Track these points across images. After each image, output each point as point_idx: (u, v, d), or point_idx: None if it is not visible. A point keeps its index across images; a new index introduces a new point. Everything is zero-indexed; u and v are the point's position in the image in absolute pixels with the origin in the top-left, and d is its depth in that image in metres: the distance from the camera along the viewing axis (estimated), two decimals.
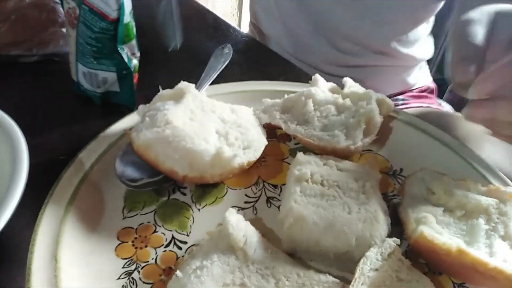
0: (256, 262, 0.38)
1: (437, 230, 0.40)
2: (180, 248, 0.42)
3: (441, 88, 1.12)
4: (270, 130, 0.57)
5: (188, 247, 0.42)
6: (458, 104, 1.05)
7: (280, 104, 0.55)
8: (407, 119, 0.58)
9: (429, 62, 1.05)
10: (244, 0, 2.26)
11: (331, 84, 0.59)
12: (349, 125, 0.51)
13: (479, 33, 0.47)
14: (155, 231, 0.43)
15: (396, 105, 0.94)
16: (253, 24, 1.06)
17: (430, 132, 0.56)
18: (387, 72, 0.94)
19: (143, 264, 0.40)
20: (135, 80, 0.60)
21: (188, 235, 0.43)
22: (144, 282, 0.39)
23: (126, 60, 0.57)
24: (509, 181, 0.50)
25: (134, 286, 0.38)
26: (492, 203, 0.43)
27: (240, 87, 0.63)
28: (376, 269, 0.36)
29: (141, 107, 0.49)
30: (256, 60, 0.79)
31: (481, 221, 0.42)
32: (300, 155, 0.48)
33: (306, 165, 0.46)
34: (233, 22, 0.93)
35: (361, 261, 0.37)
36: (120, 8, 0.53)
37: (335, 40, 0.90)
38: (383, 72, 0.93)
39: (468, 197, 0.44)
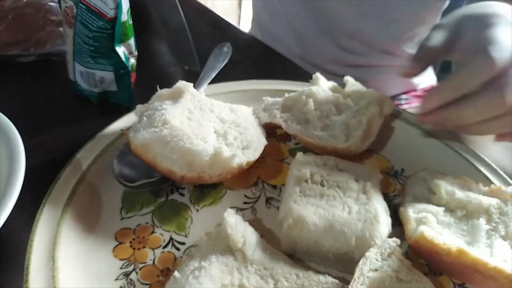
0: (255, 263, 0.38)
1: (437, 231, 0.40)
2: (178, 249, 0.42)
3: None
4: (270, 130, 0.57)
5: (187, 248, 0.42)
6: None
7: (280, 103, 0.55)
8: (409, 119, 0.58)
9: None
10: None
11: (332, 83, 0.58)
12: (350, 125, 0.51)
13: (436, 36, 0.49)
14: (153, 232, 0.43)
15: (399, 104, 0.94)
16: (256, 23, 1.06)
17: (431, 132, 0.56)
18: (392, 72, 0.93)
19: (141, 265, 0.40)
20: (132, 80, 0.60)
21: (186, 236, 0.43)
22: (142, 283, 0.38)
23: (123, 59, 0.56)
24: (510, 181, 0.50)
25: (132, 287, 0.38)
26: (493, 203, 0.43)
27: (239, 86, 0.62)
28: (376, 270, 0.36)
29: (138, 106, 0.48)
30: (256, 59, 0.79)
31: (482, 221, 0.41)
32: (300, 155, 0.48)
33: (306, 165, 0.46)
34: (233, 21, 0.92)
35: (361, 261, 0.36)
36: (118, 6, 0.52)
37: (340, 39, 0.89)
38: (387, 72, 0.93)
39: (469, 197, 0.44)
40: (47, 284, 0.36)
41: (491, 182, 0.49)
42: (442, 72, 1.15)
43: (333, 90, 0.57)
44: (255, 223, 0.44)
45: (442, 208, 0.43)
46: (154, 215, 0.45)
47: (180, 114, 0.45)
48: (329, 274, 0.38)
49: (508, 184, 0.49)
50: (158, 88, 0.50)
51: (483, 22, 0.48)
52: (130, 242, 0.42)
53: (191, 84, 0.50)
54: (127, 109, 0.56)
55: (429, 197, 0.46)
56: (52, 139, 0.55)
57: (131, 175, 0.45)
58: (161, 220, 0.44)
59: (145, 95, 0.50)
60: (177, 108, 0.46)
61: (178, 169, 0.43)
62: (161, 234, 0.43)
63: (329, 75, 0.62)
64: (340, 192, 0.43)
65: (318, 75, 0.58)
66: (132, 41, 0.58)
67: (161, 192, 0.47)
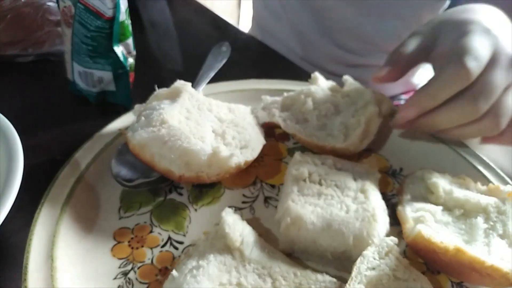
0: (252, 261, 0.38)
1: (435, 229, 0.40)
2: (176, 248, 0.42)
3: None
4: (269, 130, 0.57)
5: (185, 247, 0.42)
6: None
7: (279, 102, 0.55)
8: None
9: None
10: None
11: (331, 83, 0.58)
12: (349, 125, 0.51)
13: (411, 43, 0.50)
14: (151, 231, 0.43)
15: (398, 104, 0.94)
16: (256, 22, 1.06)
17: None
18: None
19: (139, 264, 0.40)
20: (131, 79, 0.60)
21: (184, 235, 0.43)
22: (140, 282, 0.39)
23: (122, 59, 0.56)
24: (509, 180, 0.50)
25: (130, 286, 0.38)
26: (491, 202, 0.43)
27: (238, 85, 0.62)
28: (373, 268, 0.36)
29: (137, 106, 0.48)
30: (254, 58, 0.79)
31: (480, 220, 0.42)
32: (298, 154, 0.48)
33: (304, 165, 0.46)
34: (232, 21, 0.92)
35: (358, 260, 0.36)
36: (116, 6, 0.52)
37: (339, 39, 0.89)
38: None
39: (467, 196, 0.44)
40: (45, 283, 0.36)
41: (489, 181, 0.49)
42: None
43: (331, 89, 0.56)
44: (254, 222, 0.44)
45: (440, 207, 0.43)
46: (153, 214, 0.45)
47: (178, 113, 0.45)
48: (327, 273, 0.38)
49: (506, 183, 0.49)
50: (156, 88, 0.50)
51: (459, 30, 0.48)
52: (129, 242, 0.42)
53: (189, 84, 0.50)
54: (126, 109, 0.56)
55: (427, 196, 0.46)
56: (51, 138, 0.56)
57: (129, 175, 0.46)
58: (159, 219, 0.45)
59: (144, 95, 0.50)
60: (175, 108, 0.46)
61: (176, 169, 0.43)
62: (160, 234, 0.43)
63: (330, 75, 0.62)
64: (338, 191, 0.43)
65: (316, 75, 0.58)
66: (130, 41, 0.58)
67: (160, 192, 0.47)
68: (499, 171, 0.51)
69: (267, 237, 0.42)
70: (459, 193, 0.44)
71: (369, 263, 0.36)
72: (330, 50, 0.91)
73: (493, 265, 0.35)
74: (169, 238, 0.43)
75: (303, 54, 0.94)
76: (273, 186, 0.50)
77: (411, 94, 0.98)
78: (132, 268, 0.40)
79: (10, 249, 0.42)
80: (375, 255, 0.37)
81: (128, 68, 0.58)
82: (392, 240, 0.38)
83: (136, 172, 0.46)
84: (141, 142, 0.42)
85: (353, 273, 0.35)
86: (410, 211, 0.43)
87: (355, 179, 0.45)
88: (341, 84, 0.58)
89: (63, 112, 0.61)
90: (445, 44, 0.48)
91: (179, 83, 0.49)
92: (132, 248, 0.41)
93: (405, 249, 0.44)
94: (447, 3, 0.85)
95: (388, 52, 0.94)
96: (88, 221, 0.43)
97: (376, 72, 0.51)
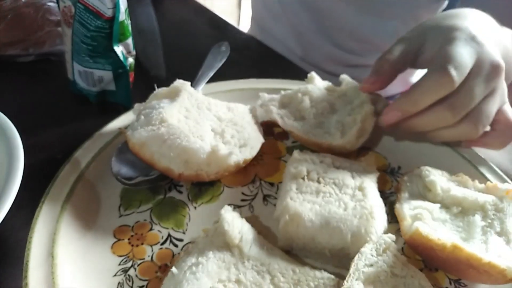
0: (251, 258, 0.38)
1: (432, 227, 0.40)
2: (176, 246, 0.42)
3: None
4: (267, 128, 0.57)
5: (184, 245, 0.42)
6: None
7: (277, 100, 0.55)
8: None
9: None
10: None
11: (327, 83, 0.59)
12: (345, 123, 0.51)
13: (396, 50, 0.51)
14: (151, 229, 0.44)
15: None
16: (256, 22, 1.06)
17: None
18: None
19: (139, 261, 0.40)
20: (131, 79, 0.60)
21: (184, 233, 0.44)
22: (140, 279, 0.39)
23: (121, 58, 0.57)
24: (506, 178, 0.50)
25: (130, 283, 0.39)
26: (489, 200, 0.43)
27: (237, 85, 0.63)
28: (371, 265, 0.36)
29: (136, 105, 0.49)
30: (253, 58, 0.79)
31: (478, 217, 0.42)
32: (296, 153, 0.48)
33: (303, 163, 0.47)
34: (232, 21, 0.93)
35: (356, 256, 0.37)
36: (116, 6, 0.53)
37: (338, 39, 0.90)
38: None
39: (465, 194, 0.44)
40: (46, 280, 0.36)
41: (487, 179, 0.49)
42: None
43: (328, 89, 0.57)
44: (253, 220, 0.44)
45: (438, 205, 0.44)
46: (152, 212, 0.45)
47: (177, 112, 0.46)
48: (325, 270, 0.38)
49: (504, 181, 0.49)
50: (156, 87, 0.50)
51: (445, 36, 0.48)
52: (129, 239, 0.42)
53: (189, 83, 0.50)
54: (126, 108, 0.56)
55: (425, 194, 0.46)
56: (51, 137, 0.56)
57: (129, 173, 0.46)
58: (159, 217, 0.45)
59: (143, 94, 0.50)
60: (175, 107, 0.46)
61: (176, 167, 0.43)
62: (159, 231, 0.43)
63: (329, 75, 0.63)
64: (336, 189, 0.43)
65: (313, 74, 0.59)
66: (130, 41, 0.58)
67: (159, 190, 0.48)
68: (497, 169, 0.51)
69: (266, 235, 0.42)
70: (457, 191, 0.45)
71: (367, 259, 0.37)
72: (329, 50, 0.91)
73: (490, 262, 0.35)
74: (169, 235, 0.43)
75: (302, 54, 0.94)
76: (272, 184, 0.50)
77: None
78: (132, 265, 0.40)
79: (10, 247, 0.42)
80: (373, 252, 0.37)
81: (128, 68, 0.59)
82: (390, 237, 0.39)
83: (136, 171, 0.46)
84: (141, 140, 0.43)
85: (351, 270, 0.36)
86: (408, 208, 0.43)
87: (353, 177, 0.46)
88: (338, 83, 0.59)
89: (63, 111, 0.61)
90: (430, 50, 0.49)
91: (179, 83, 0.50)
92: (132, 245, 0.42)
93: (403, 246, 0.44)
94: (446, 3, 0.86)
95: None
96: (88, 219, 0.43)
97: (364, 82, 0.52)
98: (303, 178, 0.44)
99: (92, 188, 0.46)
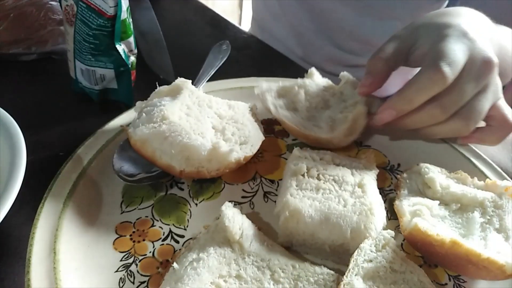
0: (252, 254, 0.39)
1: (431, 223, 0.41)
2: (177, 242, 0.43)
3: None
4: (268, 126, 0.58)
5: (186, 241, 0.43)
6: None
7: (274, 90, 0.57)
8: None
9: None
10: None
11: (326, 80, 0.59)
12: (336, 120, 0.52)
13: (388, 48, 0.51)
14: (152, 225, 0.44)
15: None
16: (256, 22, 1.06)
17: None
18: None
19: (140, 257, 0.41)
20: (133, 77, 0.60)
21: (185, 229, 0.44)
22: (141, 275, 0.39)
23: (123, 56, 0.57)
24: (506, 175, 0.50)
25: (132, 278, 0.39)
26: (488, 197, 0.43)
27: (238, 83, 0.63)
28: (370, 260, 0.37)
29: (138, 103, 0.49)
30: (254, 57, 0.80)
31: (476, 214, 0.42)
32: (296, 150, 0.48)
33: (303, 160, 0.47)
34: (233, 21, 0.93)
35: (355, 252, 0.37)
36: (117, 4, 0.53)
37: (338, 39, 0.90)
38: None
39: (464, 191, 0.44)
40: (48, 276, 0.37)
41: (486, 177, 0.50)
42: None
43: (325, 86, 0.58)
44: (253, 217, 0.44)
45: (437, 202, 0.44)
46: (154, 208, 0.46)
47: (178, 110, 0.46)
48: (325, 266, 0.39)
49: (503, 179, 0.49)
50: (157, 85, 0.50)
51: (437, 33, 0.48)
52: (130, 235, 0.43)
53: (190, 81, 0.50)
54: (127, 106, 0.57)
55: (424, 190, 0.46)
56: (53, 135, 0.56)
57: (131, 170, 0.46)
58: (160, 213, 0.45)
59: (145, 92, 0.51)
60: (176, 104, 0.46)
61: (177, 164, 0.43)
62: (161, 227, 0.44)
63: (329, 75, 0.63)
64: (336, 186, 0.44)
65: (313, 70, 0.60)
66: (132, 39, 0.59)
67: (161, 187, 0.48)
68: (495, 166, 0.51)
69: (266, 231, 0.43)
70: (456, 188, 0.45)
71: (366, 255, 0.37)
72: (329, 50, 0.92)
73: (489, 257, 0.36)
74: (170, 231, 0.43)
75: (302, 54, 0.94)
76: (272, 181, 0.50)
77: None
78: (133, 261, 0.40)
79: (13, 243, 0.43)
80: (372, 248, 0.38)
81: (130, 66, 0.59)
82: (389, 233, 0.39)
83: (137, 168, 0.46)
84: (142, 137, 0.43)
85: (350, 265, 0.36)
86: (407, 205, 0.43)
87: (353, 174, 0.46)
88: (339, 82, 0.59)
89: (65, 109, 0.62)
90: (423, 47, 0.49)
91: (180, 81, 0.50)
92: (134, 241, 0.42)
93: (402, 243, 0.44)
94: (445, 3, 0.86)
95: None
96: (90, 215, 0.44)
97: (360, 86, 0.52)
98: (303, 175, 0.45)
99: (94, 185, 0.47)
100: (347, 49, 0.91)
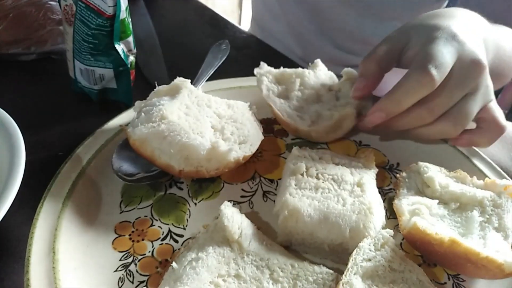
0: (251, 253, 0.39)
1: (430, 222, 0.41)
2: (176, 241, 0.43)
3: None
4: (267, 126, 0.58)
5: (185, 240, 0.43)
6: None
7: (273, 74, 0.58)
8: None
9: None
10: None
11: (331, 74, 0.60)
12: (322, 115, 0.53)
13: (381, 49, 0.52)
14: (152, 225, 0.44)
15: None
16: (256, 22, 1.06)
17: None
18: (390, 72, 0.94)
19: (140, 257, 0.41)
20: (132, 77, 0.60)
21: (184, 229, 0.44)
22: (140, 274, 0.39)
23: (122, 56, 0.57)
24: (505, 174, 0.50)
25: (131, 278, 0.39)
26: (487, 196, 0.43)
27: (237, 83, 0.63)
28: (369, 259, 0.37)
29: (137, 103, 0.49)
30: (253, 56, 0.79)
31: (476, 213, 0.42)
32: (296, 149, 0.48)
33: (302, 159, 0.47)
34: (233, 21, 0.93)
35: (354, 251, 0.37)
36: (116, 4, 0.53)
37: (338, 39, 0.90)
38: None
39: (463, 190, 0.44)
40: (47, 275, 0.37)
41: (486, 176, 0.50)
42: None
43: (325, 80, 0.58)
44: (252, 216, 0.44)
45: (436, 201, 0.44)
46: (153, 208, 0.46)
47: (177, 109, 0.46)
48: (324, 265, 0.39)
49: (503, 178, 0.49)
50: (156, 85, 0.50)
51: (427, 35, 0.48)
52: (129, 235, 0.43)
53: (189, 81, 0.50)
54: (127, 106, 0.57)
55: (424, 190, 0.46)
56: (53, 135, 0.56)
57: (130, 170, 0.46)
58: (159, 213, 0.45)
59: (144, 92, 0.51)
60: (175, 104, 0.46)
61: (176, 164, 0.43)
62: (160, 227, 0.44)
63: None
64: (335, 185, 0.44)
65: (318, 62, 0.60)
66: (131, 39, 0.59)
67: (160, 186, 0.48)
68: (495, 165, 0.51)
69: (265, 230, 0.43)
70: (455, 187, 0.45)
71: (365, 254, 0.37)
72: (328, 51, 0.92)
73: (488, 256, 0.36)
74: (169, 231, 0.43)
75: (302, 54, 0.94)
76: (271, 181, 0.50)
77: None
78: (133, 261, 0.40)
79: (12, 242, 0.43)
80: (371, 247, 0.38)
81: (129, 66, 0.59)
82: (388, 232, 0.39)
83: (136, 167, 0.46)
84: (141, 137, 0.43)
85: (349, 264, 0.36)
86: (406, 204, 0.43)
87: (352, 174, 0.46)
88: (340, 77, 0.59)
89: (65, 109, 0.62)
90: (413, 49, 0.49)
91: (179, 80, 0.50)
92: (133, 241, 0.42)
93: (401, 242, 0.44)
94: (445, 4, 0.86)
95: None
96: (89, 215, 0.44)
97: (354, 90, 0.53)
98: (302, 174, 0.45)
99: (93, 184, 0.47)
100: (347, 50, 0.91)
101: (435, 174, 0.46)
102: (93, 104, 0.62)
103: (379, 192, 0.45)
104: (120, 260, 0.40)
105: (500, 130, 0.51)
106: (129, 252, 0.41)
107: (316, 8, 0.88)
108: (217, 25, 0.90)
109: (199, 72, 0.63)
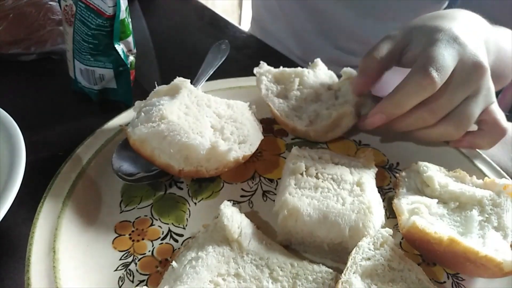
0: (251, 253, 0.39)
1: (430, 221, 0.41)
2: (176, 241, 0.43)
3: None
4: (267, 125, 0.58)
5: (185, 240, 0.43)
6: None
7: (272, 73, 0.58)
8: None
9: None
10: None
11: (331, 74, 0.60)
12: (320, 114, 0.53)
13: (382, 48, 0.52)
14: (152, 225, 0.44)
15: None
16: (256, 22, 1.07)
17: None
18: (389, 73, 0.94)
19: (140, 256, 0.41)
20: (131, 77, 0.61)
21: (184, 228, 0.44)
22: (140, 274, 0.39)
23: (122, 56, 0.57)
24: (504, 174, 0.50)
25: (131, 277, 0.39)
26: (486, 195, 0.43)
27: (237, 82, 0.63)
28: (368, 258, 0.37)
29: (137, 103, 0.49)
30: (253, 56, 0.80)
31: (475, 212, 0.42)
32: (295, 149, 0.49)
33: (301, 159, 0.47)
34: (233, 21, 0.93)
35: (354, 250, 0.37)
36: (116, 4, 0.53)
37: (338, 40, 0.90)
38: (386, 72, 0.94)
39: (462, 189, 0.44)
40: (47, 275, 0.37)
41: (485, 175, 0.50)
42: None
43: (324, 80, 0.58)
44: (252, 216, 0.45)
45: (435, 200, 0.44)
46: (153, 208, 0.46)
47: (177, 109, 0.46)
48: (323, 264, 0.39)
49: (502, 177, 0.50)
50: (156, 85, 0.50)
51: (428, 37, 0.49)
52: (129, 234, 0.43)
53: (188, 80, 0.51)
54: (127, 106, 0.57)
55: (423, 189, 0.47)
56: (53, 135, 0.57)
57: (130, 169, 0.46)
58: (159, 213, 0.45)
59: (144, 92, 0.51)
60: (174, 104, 0.46)
61: (176, 163, 0.44)
62: (160, 227, 0.44)
63: None
64: (334, 185, 0.44)
65: (318, 61, 0.60)
66: (131, 39, 0.59)
67: (160, 186, 0.48)
68: (494, 164, 0.51)
69: (265, 230, 0.43)
70: (455, 186, 0.45)
71: (365, 253, 0.37)
72: (328, 51, 0.92)
73: (487, 255, 0.36)
74: (169, 230, 0.44)
75: (302, 54, 0.94)
76: (271, 180, 0.51)
77: None
78: (133, 260, 0.40)
79: (13, 242, 0.43)
80: (371, 246, 0.38)
81: (129, 66, 0.59)
82: (387, 231, 0.39)
83: (136, 167, 0.47)
84: (141, 137, 0.43)
85: (349, 263, 0.36)
86: (406, 203, 0.43)
87: (351, 173, 0.46)
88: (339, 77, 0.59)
89: (65, 109, 0.62)
90: (414, 50, 0.49)
91: (179, 80, 0.50)
92: (133, 240, 0.42)
93: (401, 241, 0.44)
94: (446, 4, 0.86)
95: None
96: (89, 214, 0.44)
97: (354, 85, 0.53)
98: (301, 174, 0.45)
99: (93, 184, 0.47)
100: (347, 50, 0.91)
101: (435, 173, 0.47)
102: (93, 104, 0.62)
103: (379, 192, 0.46)
104: (120, 259, 0.40)
105: (502, 132, 0.51)
106: (129, 252, 0.41)
107: (316, 8, 0.88)
108: (217, 25, 0.90)
109: (199, 72, 0.64)
